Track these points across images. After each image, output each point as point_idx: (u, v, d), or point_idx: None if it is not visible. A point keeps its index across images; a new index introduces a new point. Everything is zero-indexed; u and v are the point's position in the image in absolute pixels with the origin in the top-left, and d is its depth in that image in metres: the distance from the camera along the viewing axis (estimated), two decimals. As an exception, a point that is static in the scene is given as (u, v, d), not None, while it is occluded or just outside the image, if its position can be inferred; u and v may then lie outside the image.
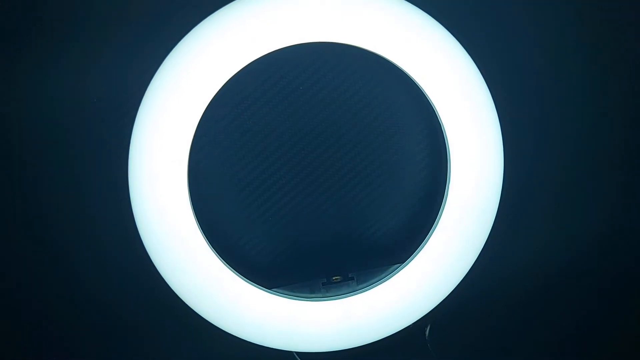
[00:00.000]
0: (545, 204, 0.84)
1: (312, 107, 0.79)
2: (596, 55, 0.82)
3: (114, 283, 0.82)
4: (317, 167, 0.80)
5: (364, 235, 0.81)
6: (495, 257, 0.81)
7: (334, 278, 0.78)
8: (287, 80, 0.79)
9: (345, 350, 0.78)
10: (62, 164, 0.80)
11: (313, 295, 0.78)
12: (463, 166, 0.75)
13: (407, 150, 0.80)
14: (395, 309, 0.77)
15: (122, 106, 0.78)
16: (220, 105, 0.75)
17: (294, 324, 0.77)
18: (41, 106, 0.79)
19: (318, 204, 0.80)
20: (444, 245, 0.77)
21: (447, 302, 0.78)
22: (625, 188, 0.85)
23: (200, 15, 0.73)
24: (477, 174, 0.76)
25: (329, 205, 0.81)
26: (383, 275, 0.78)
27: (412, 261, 0.77)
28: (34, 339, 0.82)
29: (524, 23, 0.81)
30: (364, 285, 0.78)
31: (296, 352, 0.80)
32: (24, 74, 0.78)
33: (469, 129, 0.75)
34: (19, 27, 0.78)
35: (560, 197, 0.85)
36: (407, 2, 0.74)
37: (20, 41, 0.78)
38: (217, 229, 0.80)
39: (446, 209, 0.76)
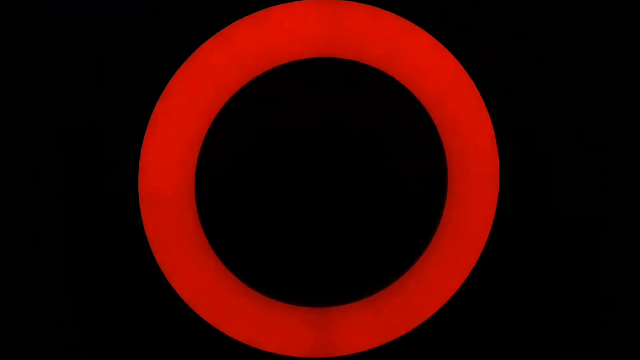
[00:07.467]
0: (546, 207, 0.84)
1: (315, 116, 0.80)
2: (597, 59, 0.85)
3: (116, 284, 0.81)
4: (319, 175, 0.81)
5: (367, 238, 0.81)
6: (498, 259, 0.82)
7: (336, 282, 0.79)
8: (291, 93, 0.80)
9: (347, 355, 0.79)
10: (63, 164, 0.80)
11: (313, 301, 0.78)
12: (461, 173, 0.78)
13: (407, 161, 0.81)
14: (398, 311, 0.78)
15: (135, 112, 0.78)
16: (229, 114, 0.77)
17: (296, 328, 0.78)
18: (43, 106, 0.80)
19: (320, 209, 0.81)
20: (445, 250, 0.78)
21: (450, 304, 0.79)
22: (628, 186, 0.86)
23: (210, 31, 0.76)
24: (475, 182, 0.78)
25: (331, 210, 0.81)
26: (386, 279, 0.79)
27: (415, 264, 0.78)
28: (32, 338, 0.82)
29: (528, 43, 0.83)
30: (367, 290, 0.79)
31: (298, 356, 0.79)
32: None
33: (466, 139, 0.78)
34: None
35: (561, 202, 0.85)
36: (405, 20, 0.77)
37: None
38: (219, 232, 0.79)
39: (445, 213, 0.78)
